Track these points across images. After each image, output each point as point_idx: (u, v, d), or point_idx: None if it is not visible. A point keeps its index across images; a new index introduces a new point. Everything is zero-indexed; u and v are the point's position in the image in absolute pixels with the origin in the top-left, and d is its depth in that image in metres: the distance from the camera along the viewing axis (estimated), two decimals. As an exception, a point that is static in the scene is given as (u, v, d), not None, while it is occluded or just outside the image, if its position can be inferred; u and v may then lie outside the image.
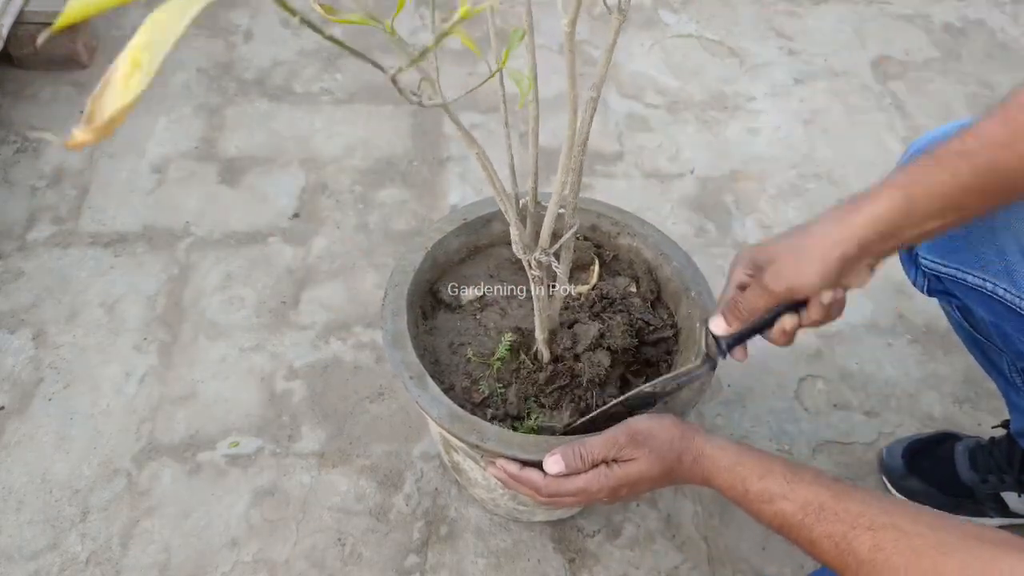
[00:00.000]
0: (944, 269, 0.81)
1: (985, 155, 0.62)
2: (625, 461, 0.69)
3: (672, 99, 1.66)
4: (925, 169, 0.65)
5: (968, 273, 0.78)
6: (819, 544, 0.59)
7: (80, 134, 0.28)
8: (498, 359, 0.84)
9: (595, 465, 0.70)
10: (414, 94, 0.49)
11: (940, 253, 0.80)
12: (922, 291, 0.88)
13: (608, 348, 0.84)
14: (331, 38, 0.37)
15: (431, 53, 0.52)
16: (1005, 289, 0.75)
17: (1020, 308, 0.75)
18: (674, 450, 0.69)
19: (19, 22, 1.46)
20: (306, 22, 0.35)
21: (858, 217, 0.65)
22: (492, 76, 0.51)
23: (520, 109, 0.61)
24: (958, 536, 0.55)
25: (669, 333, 0.89)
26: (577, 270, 0.93)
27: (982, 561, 0.52)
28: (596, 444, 0.70)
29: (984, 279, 0.77)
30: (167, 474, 1.04)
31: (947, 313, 0.94)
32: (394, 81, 0.41)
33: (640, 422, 0.71)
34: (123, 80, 0.28)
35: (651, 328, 0.89)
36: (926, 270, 0.83)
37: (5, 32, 1.40)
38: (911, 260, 0.86)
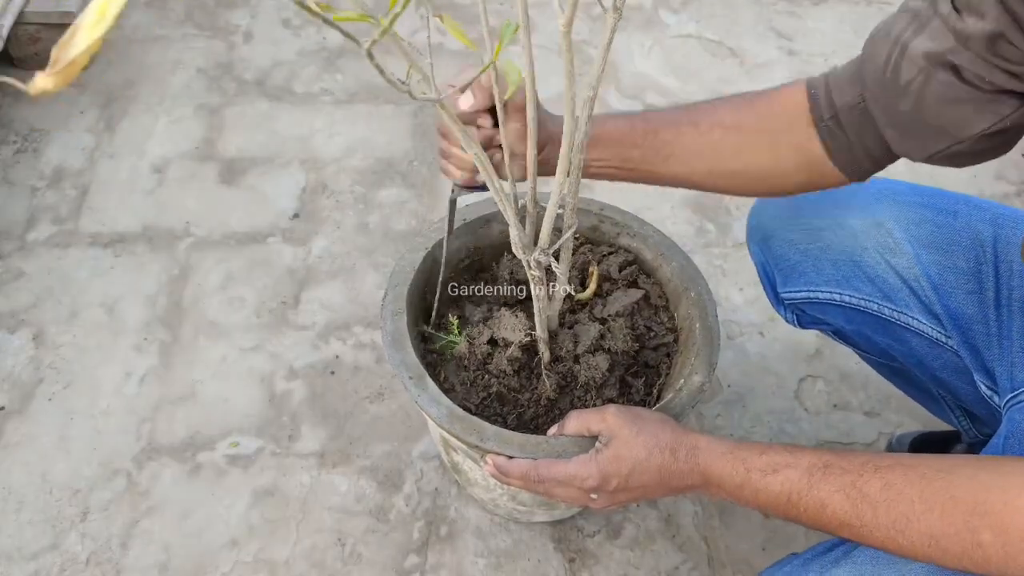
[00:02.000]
0: (800, 294, 0.88)
1: (654, 120, 0.73)
2: (610, 440, 0.68)
3: (672, 99, 1.66)
4: (612, 116, 0.74)
5: (818, 291, 0.86)
6: (830, 503, 0.59)
7: (42, 79, 0.29)
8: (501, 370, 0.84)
9: (582, 434, 0.71)
10: (402, 82, 0.49)
11: (792, 282, 0.89)
12: (795, 325, 0.96)
13: (608, 351, 0.84)
14: (338, 27, 0.37)
15: (427, 50, 0.52)
16: (850, 295, 0.84)
17: (866, 309, 0.84)
18: (666, 441, 0.67)
19: (19, 22, 1.46)
20: (307, 7, 0.35)
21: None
22: (485, 70, 0.51)
23: (502, 101, 0.62)
24: (963, 459, 0.57)
25: (670, 338, 0.89)
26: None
27: (989, 470, 0.54)
28: (586, 411, 0.72)
29: (831, 291, 0.85)
30: (167, 474, 1.04)
31: (862, 357, 1.01)
32: (370, 55, 0.41)
33: (634, 407, 0.72)
34: (87, 29, 0.29)
35: (652, 333, 0.89)
36: (788, 302, 0.91)
37: (5, 32, 1.40)
38: (777, 300, 0.93)
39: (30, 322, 1.19)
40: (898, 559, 0.59)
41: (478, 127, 0.72)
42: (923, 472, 0.56)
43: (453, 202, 0.83)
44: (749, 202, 1.45)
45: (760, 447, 0.65)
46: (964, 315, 0.79)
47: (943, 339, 0.82)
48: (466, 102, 0.69)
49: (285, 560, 0.98)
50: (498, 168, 0.73)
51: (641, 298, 0.90)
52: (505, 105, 0.68)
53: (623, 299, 0.88)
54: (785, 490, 0.61)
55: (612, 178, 0.78)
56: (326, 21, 0.38)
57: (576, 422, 0.72)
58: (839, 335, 0.95)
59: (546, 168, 0.72)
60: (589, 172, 0.76)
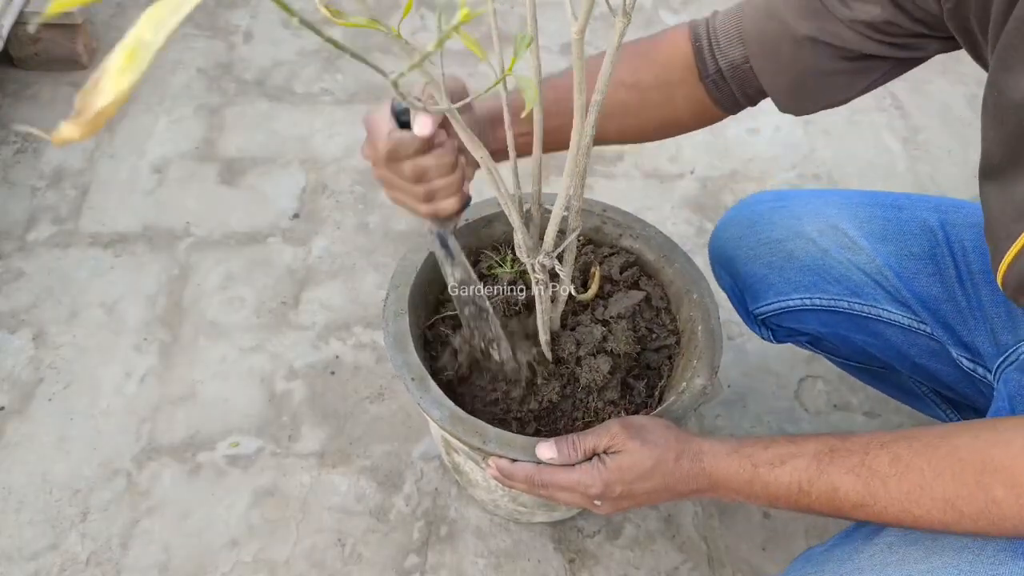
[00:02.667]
0: (772, 307, 0.91)
1: (561, 85, 0.72)
2: (618, 452, 0.68)
3: (672, 99, 1.66)
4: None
5: (788, 299, 0.89)
6: (842, 485, 0.59)
7: (67, 128, 0.28)
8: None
9: (588, 457, 0.69)
10: (418, 100, 0.49)
11: (762, 296, 0.92)
12: (772, 341, 0.98)
13: (610, 353, 0.84)
14: (332, 40, 0.37)
15: (435, 56, 0.52)
16: (820, 298, 0.87)
17: (837, 308, 0.87)
18: (670, 448, 0.67)
19: (19, 23, 1.46)
20: (305, 24, 0.35)
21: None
22: (498, 83, 0.51)
23: (522, 116, 0.60)
24: (962, 425, 0.58)
25: (672, 340, 0.89)
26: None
27: (992, 429, 0.56)
28: (588, 433, 0.70)
29: (802, 297, 0.88)
30: (167, 474, 1.04)
31: (837, 364, 1.03)
32: (395, 85, 0.41)
33: (634, 417, 0.71)
34: (115, 76, 0.27)
35: (654, 335, 0.89)
36: (762, 317, 0.93)
37: (5, 32, 1.40)
38: (751, 319, 0.96)
39: (30, 322, 1.19)
40: (919, 536, 0.60)
41: (437, 145, 0.68)
42: (927, 441, 0.57)
43: (444, 242, 0.76)
44: (749, 202, 1.46)
45: (763, 441, 0.65)
46: (931, 296, 0.83)
47: (916, 324, 0.85)
48: (424, 127, 0.64)
49: (285, 560, 0.98)
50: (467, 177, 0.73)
51: (643, 300, 0.90)
52: (469, 106, 0.68)
53: (624, 301, 0.88)
54: (795, 479, 0.62)
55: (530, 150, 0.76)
56: (335, 44, 0.38)
57: (583, 451, 0.70)
58: (816, 344, 0.97)
59: (501, 156, 0.73)
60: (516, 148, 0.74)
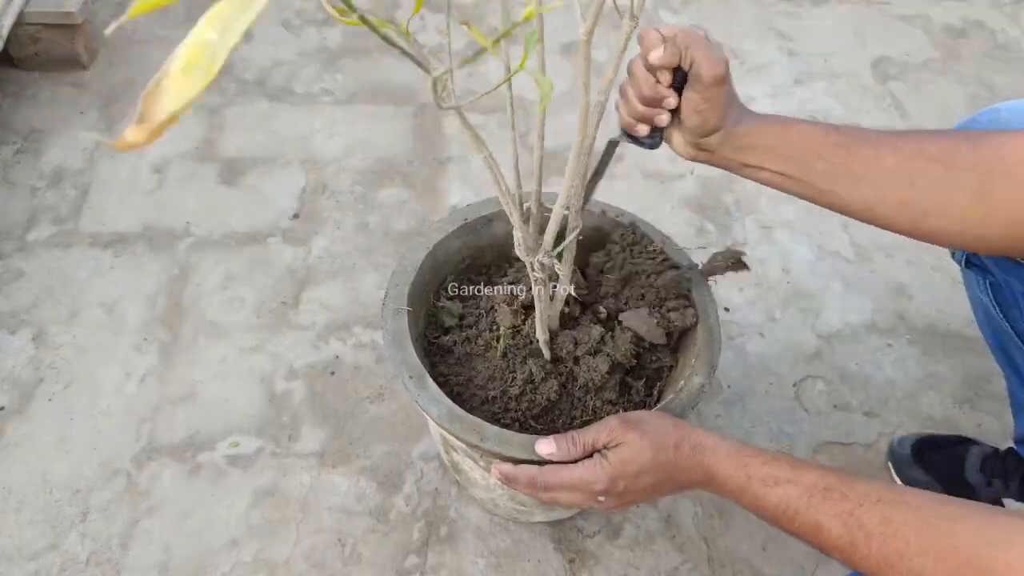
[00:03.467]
0: None
1: (848, 136, 0.67)
2: (616, 446, 0.68)
3: (672, 100, 1.66)
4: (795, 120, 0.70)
5: None
6: (826, 526, 0.58)
7: (131, 134, 0.26)
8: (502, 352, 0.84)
9: (588, 453, 0.69)
10: (442, 98, 0.49)
11: None
12: (959, 263, 0.84)
13: (608, 354, 0.84)
14: (364, 19, 0.37)
15: (442, 54, 0.52)
16: None
17: None
18: (669, 436, 0.67)
19: (19, 23, 1.46)
20: (364, 20, 0.34)
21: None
22: (508, 79, 0.51)
23: (518, 106, 0.61)
24: (972, 508, 0.54)
25: (669, 361, 0.88)
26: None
27: (997, 526, 0.52)
28: (587, 429, 0.70)
29: None
30: (167, 474, 1.04)
31: (974, 299, 0.91)
32: (435, 84, 0.41)
33: (633, 412, 0.71)
34: (179, 78, 0.26)
35: (653, 358, 0.88)
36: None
37: (5, 32, 1.40)
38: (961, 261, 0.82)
39: (30, 322, 1.19)
40: None
41: (657, 81, 0.71)
42: (926, 515, 0.55)
43: (612, 145, 0.79)
44: (748, 203, 1.46)
45: (765, 456, 0.65)
46: None
47: None
48: (656, 55, 0.68)
49: (285, 560, 0.98)
50: (666, 136, 0.75)
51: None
52: (700, 75, 0.68)
53: (633, 319, 0.86)
54: (782, 504, 0.61)
55: (778, 187, 0.72)
56: (372, 27, 0.38)
57: (582, 447, 0.70)
58: (994, 290, 0.84)
59: (708, 155, 0.73)
60: (755, 175, 0.73)
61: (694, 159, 0.76)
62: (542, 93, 0.49)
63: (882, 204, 0.66)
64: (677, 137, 0.75)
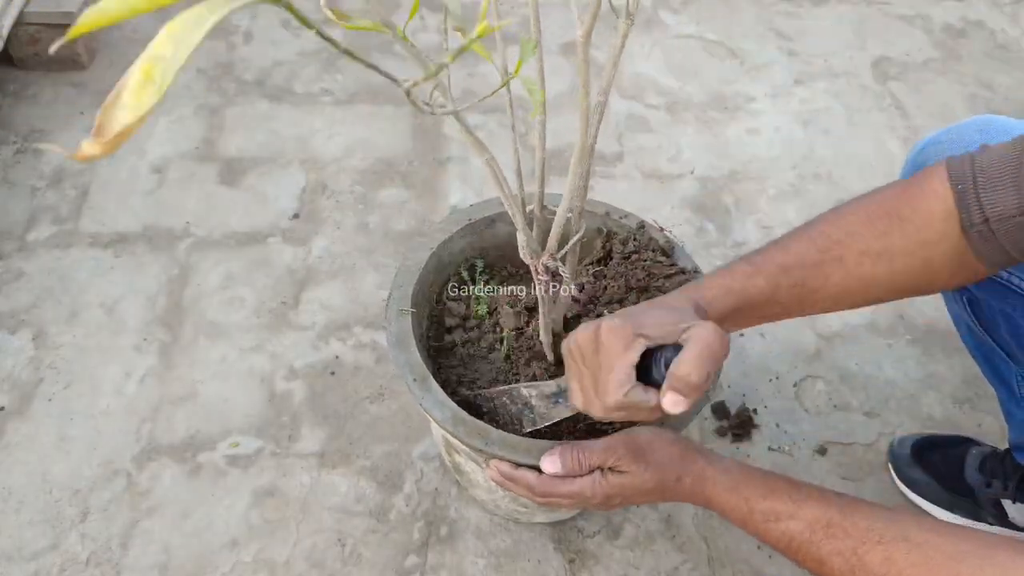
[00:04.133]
0: None
1: (797, 273, 0.66)
2: (621, 472, 0.69)
3: (672, 100, 1.67)
4: (745, 274, 0.68)
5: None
6: (828, 562, 0.59)
7: (88, 147, 0.27)
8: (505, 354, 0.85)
9: (591, 471, 0.70)
10: (427, 104, 0.49)
11: None
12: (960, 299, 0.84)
13: None
14: (346, 51, 0.37)
15: (434, 54, 0.52)
16: (1020, 278, 0.74)
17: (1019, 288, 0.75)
18: (673, 470, 0.68)
19: (19, 23, 1.46)
20: (313, 28, 0.34)
21: (694, 291, 0.68)
22: (504, 85, 0.51)
23: (517, 105, 0.61)
24: (972, 543, 0.54)
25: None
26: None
27: (998, 565, 0.52)
28: (595, 450, 0.70)
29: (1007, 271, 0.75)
30: (167, 474, 1.04)
31: (955, 317, 0.93)
32: (408, 94, 0.41)
33: (642, 434, 0.70)
34: (135, 93, 0.27)
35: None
36: None
37: (5, 33, 1.40)
38: None
39: (30, 322, 1.19)
40: None
41: None
42: (930, 555, 0.55)
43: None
44: (748, 203, 1.46)
45: (763, 488, 0.65)
46: None
47: None
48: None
49: (285, 560, 0.97)
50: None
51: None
52: None
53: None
54: (784, 539, 0.62)
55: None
56: (350, 54, 0.38)
57: (588, 468, 0.70)
58: (971, 305, 0.85)
59: None
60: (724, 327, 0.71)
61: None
62: (535, 102, 0.49)
63: (842, 306, 0.69)
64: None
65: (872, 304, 0.70)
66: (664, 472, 0.68)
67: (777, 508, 0.63)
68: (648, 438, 0.70)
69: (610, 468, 0.69)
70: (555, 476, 0.70)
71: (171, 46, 0.26)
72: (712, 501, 0.67)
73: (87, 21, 0.26)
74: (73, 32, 0.27)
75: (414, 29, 1.78)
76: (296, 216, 1.37)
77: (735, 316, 0.68)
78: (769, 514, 0.63)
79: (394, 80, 0.40)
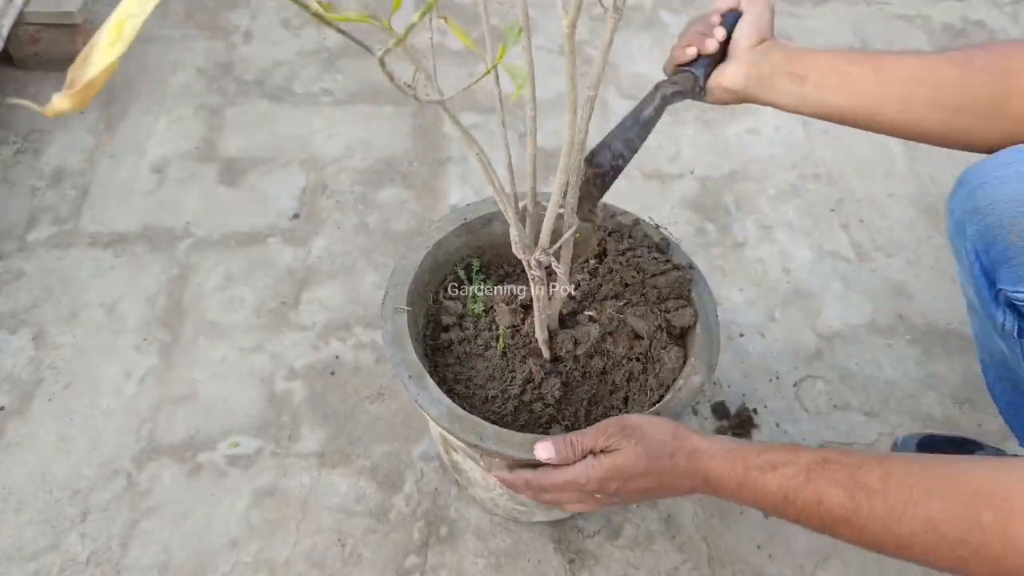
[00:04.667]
0: None
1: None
2: (612, 451, 0.68)
3: (672, 99, 1.66)
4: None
5: None
6: (827, 497, 0.57)
7: (59, 101, 0.29)
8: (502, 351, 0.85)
9: (584, 455, 0.70)
10: (408, 85, 0.49)
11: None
12: (1012, 335, 0.73)
13: (607, 354, 0.84)
14: (316, 13, 0.37)
15: (428, 53, 0.52)
16: None
17: None
18: (666, 446, 0.67)
19: (19, 23, 1.46)
20: (306, 6, 0.34)
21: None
22: (488, 72, 0.51)
23: (514, 103, 0.61)
24: (974, 456, 0.55)
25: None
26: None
27: (998, 460, 0.52)
28: (587, 433, 0.70)
29: None
30: (167, 474, 1.04)
31: (991, 357, 0.84)
32: (382, 63, 0.41)
33: (632, 416, 0.71)
34: (104, 49, 0.29)
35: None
36: (1017, 303, 0.69)
37: (5, 32, 1.40)
38: (994, 299, 0.72)
39: (30, 322, 1.19)
40: None
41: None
42: (927, 462, 0.55)
43: (658, 89, 0.82)
44: (748, 203, 1.46)
45: (760, 447, 0.65)
46: None
47: None
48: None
49: (285, 560, 0.98)
50: (718, 72, 0.83)
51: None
52: None
53: (639, 323, 0.85)
54: (782, 487, 0.60)
55: (813, 102, 0.79)
56: (326, 22, 0.38)
57: (580, 451, 0.70)
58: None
59: (756, 79, 0.81)
60: (795, 88, 0.78)
61: (744, 93, 0.82)
62: (516, 83, 0.49)
63: (911, 103, 0.71)
64: (733, 67, 0.82)
65: (938, 128, 0.72)
66: (657, 447, 0.67)
67: (773, 458, 0.62)
68: (639, 419, 0.70)
69: (602, 450, 0.69)
70: (550, 465, 0.70)
71: (138, 4, 0.28)
72: (708, 473, 0.65)
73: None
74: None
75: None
76: (296, 216, 1.37)
77: (817, 76, 0.77)
78: (765, 465, 0.62)
79: (367, 49, 0.41)
